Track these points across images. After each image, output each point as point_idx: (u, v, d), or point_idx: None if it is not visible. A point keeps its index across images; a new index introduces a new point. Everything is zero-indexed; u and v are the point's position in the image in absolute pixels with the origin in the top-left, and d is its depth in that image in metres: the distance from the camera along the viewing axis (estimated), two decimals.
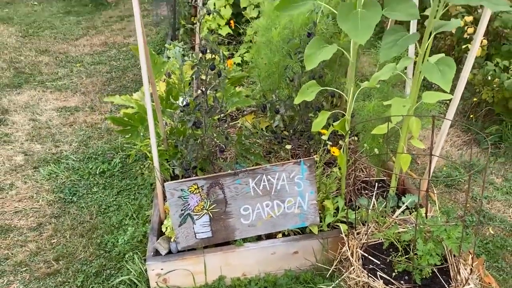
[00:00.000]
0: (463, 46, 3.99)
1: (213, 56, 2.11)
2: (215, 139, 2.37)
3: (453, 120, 2.15)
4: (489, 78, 3.54)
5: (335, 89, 2.17)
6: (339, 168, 2.28)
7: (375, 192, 2.31)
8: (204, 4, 4.91)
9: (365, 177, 2.67)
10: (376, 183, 2.57)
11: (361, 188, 2.57)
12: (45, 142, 3.71)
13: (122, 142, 3.65)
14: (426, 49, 1.96)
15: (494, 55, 3.86)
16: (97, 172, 3.29)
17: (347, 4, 1.81)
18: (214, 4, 4.70)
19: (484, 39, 3.71)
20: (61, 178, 3.24)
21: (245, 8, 4.71)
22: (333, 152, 2.20)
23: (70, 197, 3.04)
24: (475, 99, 3.80)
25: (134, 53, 5.58)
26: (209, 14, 2.11)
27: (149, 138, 2.94)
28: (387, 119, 2.05)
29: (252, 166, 2.71)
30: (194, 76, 2.12)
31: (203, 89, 2.18)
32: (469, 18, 3.88)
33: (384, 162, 2.65)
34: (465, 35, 3.84)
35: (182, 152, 2.51)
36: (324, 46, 1.96)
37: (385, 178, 2.65)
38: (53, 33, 6.33)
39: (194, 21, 5.06)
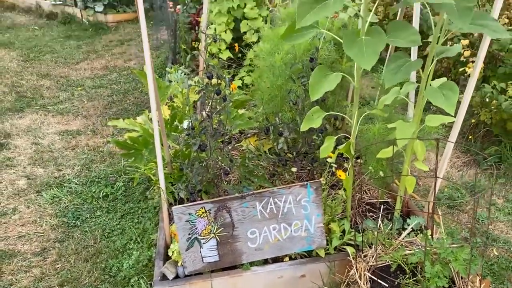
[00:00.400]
0: (460, 69, 4.07)
1: (219, 81, 2.16)
2: (220, 162, 2.39)
3: (455, 143, 2.19)
4: (487, 100, 3.60)
5: (339, 113, 2.20)
6: (344, 190, 2.31)
7: (382, 214, 2.33)
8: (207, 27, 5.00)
9: (369, 199, 2.69)
10: (381, 205, 2.59)
11: (365, 210, 2.59)
12: (47, 166, 3.71)
13: (125, 166, 3.66)
14: (429, 74, 2.01)
15: (491, 77, 3.93)
16: (100, 196, 3.29)
17: (351, 32, 1.86)
18: (215, 29, 4.78)
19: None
20: (64, 202, 3.24)
21: (245, 33, 4.80)
22: (340, 176, 2.22)
23: (74, 221, 3.04)
24: (473, 121, 3.86)
25: (138, 78, 5.64)
26: (215, 41, 2.16)
27: (153, 162, 2.97)
28: (392, 142, 2.08)
29: (256, 188, 2.73)
30: (200, 101, 2.16)
31: (209, 113, 2.21)
32: (465, 42, 3.97)
33: (388, 184, 2.68)
34: (462, 58, 3.92)
35: (187, 175, 2.53)
36: (327, 74, 2.00)
37: (389, 200, 2.67)
38: (54, 57, 6.39)
39: (195, 45, 5.14)
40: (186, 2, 5.69)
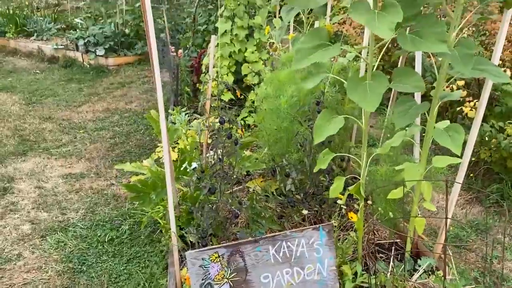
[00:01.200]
0: (457, 108, 4.17)
1: (231, 126, 2.21)
2: (230, 205, 2.41)
3: (463, 183, 2.23)
4: (486, 138, 3.68)
5: (348, 155, 2.25)
6: (355, 232, 2.32)
7: (392, 255, 2.34)
8: (206, 71, 5.12)
9: (378, 240, 2.70)
10: (390, 246, 2.59)
11: (375, 251, 2.59)
12: (51, 209, 3.70)
13: (129, 208, 3.66)
14: (434, 116, 2.08)
15: (488, 116, 4.03)
16: (106, 240, 3.27)
17: (355, 77, 1.94)
18: (217, 72, 4.90)
19: (477, 101, 3.89)
20: (69, 247, 3.21)
21: (246, 75, 4.92)
22: (351, 217, 2.24)
23: (80, 267, 3.01)
24: (473, 159, 3.92)
25: (140, 119, 5.72)
26: (228, 90, 2.24)
27: (160, 205, 2.99)
28: (401, 184, 2.12)
29: (266, 231, 2.74)
30: (212, 145, 2.20)
31: (220, 157, 2.25)
32: (461, 82, 4.09)
33: (396, 225, 2.69)
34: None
35: (197, 219, 2.54)
36: (332, 117, 2.05)
37: (398, 240, 2.68)
38: (56, 100, 6.47)
39: (199, 87, 5.24)
40: (188, 46, 5.85)
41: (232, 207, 2.39)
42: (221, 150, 2.25)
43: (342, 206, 2.41)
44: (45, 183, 4.13)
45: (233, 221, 2.43)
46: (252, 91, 4.92)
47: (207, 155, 3.08)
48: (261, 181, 3.30)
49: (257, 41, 4.86)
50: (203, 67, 5.22)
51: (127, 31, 8.34)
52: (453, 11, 1.89)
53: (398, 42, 1.72)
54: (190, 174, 2.85)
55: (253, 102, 4.81)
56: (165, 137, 2.24)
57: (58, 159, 4.64)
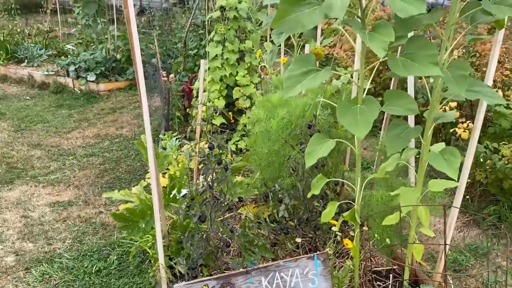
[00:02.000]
0: (451, 130, 4.14)
1: (221, 151, 2.14)
2: (221, 233, 2.32)
3: (461, 207, 2.17)
4: (481, 160, 3.63)
5: (341, 180, 2.18)
6: (351, 259, 2.23)
7: (390, 283, 2.25)
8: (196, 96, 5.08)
9: (375, 267, 2.61)
10: (387, 273, 2.51)
11: (372, 279, 2.50)
12: (37, 240, 3.58)
13: (118, 238, 3.55)
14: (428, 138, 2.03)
15: (482, 137, 4.00)
16: (93, 271, 3.15)
17: (345, 102, 1.89)
18: (208, 96, 4.86)
19: (470, 122, 3.87)
20: (55, 279, 3.09)
21: (237, 99, 4.88)
22: (346, 244, 2.16)
23: None
24: (469, 180, 3.86)
25: (131, 145, 5.64)
26: (216, 113, 2.18)
27: (150, 234, 2.88)
28: (397, 209, 2.05)
29: (258, 260, 2.64)
30: (202, 171, 2.13)
31: (210, 184, 2.18)
32: (453, 104, 4.07)
33: (393, 251, 2.61)
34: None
35: (187, 249, 2.44)
36: (324, 141, 2.00)
37: (395, 266, 2.59)
38: (45, 127, 6.38)
39: (190, 112, 5.20)
40: (179, 70, 5.83)
41: (224, 235, 2.30)
42: (211, 177, 2.18)
43: (337, 233, 2.33)
44: (31, 212, 4.01)
45: (225, 250, 2.33)
46: (244, 114, 4.88)
47: (197, 181, 3.00)
48: (253, 207, 3.22)
49: (248, 64, 4.85)
50: (194, 92, 5.18)
51: (118, 56, 8.32)
52: (442, 33, 1.86)
53: (389, 66, 1.67)
54: (179, 202, 2.76)
55: (245, 125, 4.76)
56: (152, 164, 2.17)
57: (45, 187, 4.53)
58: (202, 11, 5.82)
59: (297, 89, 1.75)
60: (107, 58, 8.12)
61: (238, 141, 4.74)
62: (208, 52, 4.82)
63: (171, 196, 2.77)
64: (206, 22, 5.57)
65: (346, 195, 2.97)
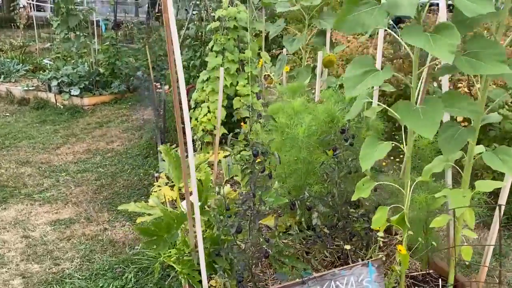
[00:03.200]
0: None
1: (265, 158, 2.08)
2: (261, 244, 2.24)
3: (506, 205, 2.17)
4: None
5: (391, 183, 2.15)
6: (400, 265, 2.19)
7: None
8: (196, 105, 4.99)
9: (410, 272, 2.58)
10: (423, 278, 2.48)
11: (410, 284, 2.47)
12: (43, 261, 3.38)
13: (130, 254, 3.40)
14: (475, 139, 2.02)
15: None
16: None
17: (404, 103, 1.86)
18: (208, 107, 4.78)
19: None
20: None
21: (237, 109, 4.83)
22: (400, 250, 2.11)
23: None
24: None
25: (125, 159, 5.45)
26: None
27: (175, 248, 2.77)
28: (445, 211, 2.02)
29: (289, 270, 2.57)
30: (250, 180, 2.05)
31: (253, 192, 2.10)
32: None
33: (428, 255, 2.59)
34: None
35: (220, 262, 2.34)
36: (378, 144, 1.97)
37: (430, 271, 2.57)
38: (32, 143, 6.13)
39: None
40: None
41: (264, 246, 2.22)
42: (253, 185, 2.10)
43: (379, 238, 2.28)
44: (32, 232, 3.80)
45: (262, 261, 2.25)
46: (245, 124, 4.82)
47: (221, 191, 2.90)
48: (274, 216, 3.14)
49: (248, 74, 4.80)
50: (192, 103, 5.09)
51: (101, 70, 8.13)
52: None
53: (457, 66, 1.65)
54: (207, 213, 2.66)
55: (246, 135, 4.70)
56: (193, 173, 2.07)
57: (42, 205, 4.32)
58: (196, 22, 5.75)
59: (357, 89, 1.71)
60: (90, 72, 7.93)
61: (241, 151, 4.66)
62: (208, 62, 4.76)
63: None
64: (202, 33, 5.52)
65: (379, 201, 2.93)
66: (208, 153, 4.54)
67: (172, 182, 4.03)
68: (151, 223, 2.64)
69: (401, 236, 2.86)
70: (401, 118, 1.79)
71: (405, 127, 2.01)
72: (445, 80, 2.25)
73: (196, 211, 2.05)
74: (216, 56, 4.74)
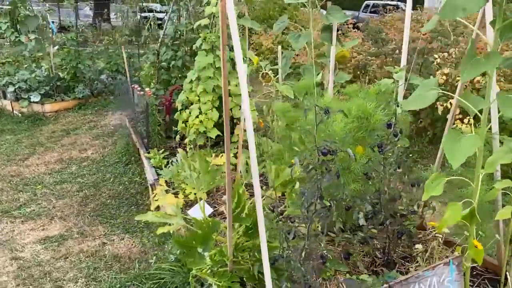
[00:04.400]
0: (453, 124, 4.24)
1: (332, 155, 1.93)
2: (322, 249, 2.09)
3: None
4: None
5: (463, 178, 2.06)
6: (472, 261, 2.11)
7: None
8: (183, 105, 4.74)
9: None
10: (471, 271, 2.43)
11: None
12: (42, 284, 3.03)
13: (140, 269, 3.13)
14: None
15: None
16: None
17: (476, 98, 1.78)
18: (200, 108, 4.55)
19: (469, 117, 4.00)
20: None
21: (230, 109, 4.63)
22: (477, 246, 2.03)
23: None
24: None
25: (114, 171, 5.09)
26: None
27: (210, 260, 2.55)
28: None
29: (332, 274, 2.45)
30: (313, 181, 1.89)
31: (321, 194, 1.95)
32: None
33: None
34: None
35: (279, 269, 2.16)
36: (461, 137, 1.84)
37: (474, 264, 2.52)
38: None
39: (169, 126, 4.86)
40: (153, 83, 5.42)
41: (324, 251, 2.07)
42: (318, 186, 1.94)
43: (438, 235, 2.20)
44: (21, 253, 3.41)
45: (322, 266, 2.10)
46: (238, 125, 4.64)
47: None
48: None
49: None
50: (179, 105, 4.82)
51: (62, 74, 7.62)
52: None
53: None
54: (245, 219, 2.46)
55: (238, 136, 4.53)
56: (256, 179, 1.87)
57: (25, 221, 3.91)
58: (174, 21, 5.48)
59: (472, 74, 1.59)
60: (50, 76, 7.40)
61: (236, 153, 4.47)
62: (197, 61, 4.53)
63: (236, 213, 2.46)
64: (184, 32, 5.26)
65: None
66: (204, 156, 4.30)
67: (174, 189, 3.78)
68: (187, 235, 2.40)
69: (435, 232, 2.82)
70: (473, 106, 1.71)
71: (474, 117, 1.94)
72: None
73: (260, 216, 1.86)
74: (206, 55, 4.52)
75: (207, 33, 4.53)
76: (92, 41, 10.84)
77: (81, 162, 5.38)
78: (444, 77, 4.82)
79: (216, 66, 4.49)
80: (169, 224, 2.80)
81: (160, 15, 11.69)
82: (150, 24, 9.97)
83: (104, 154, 5.66)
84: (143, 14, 11.09)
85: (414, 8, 8.76)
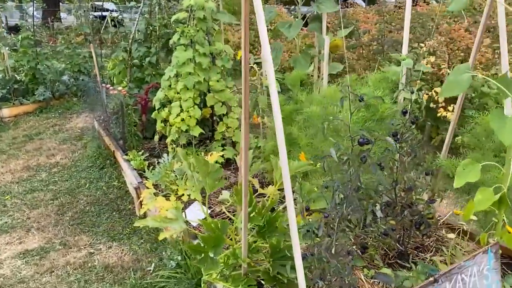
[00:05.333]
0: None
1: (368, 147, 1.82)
2: (349, 245, 1.99)
3: None
4: None
5: (495, 164, 2.01)
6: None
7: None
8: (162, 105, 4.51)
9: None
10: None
11: None
12: None
13: (136, 278, 2.92)
14: None
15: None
16: None
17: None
18: (181, 106, 4.35)
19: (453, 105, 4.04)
20: None
21: (212, 107, 4.48)
22: (510, 232, 1.99)
23: None
24: None
25: (88, 176, 4.77)
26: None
27: (222, 264, 2.40)
28: None
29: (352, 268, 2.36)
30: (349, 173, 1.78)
31: (356, 187, 1.84)
32: (438, 89, 4.23)
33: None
34: None
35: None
36: (504, 117, 1.77)
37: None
38: None
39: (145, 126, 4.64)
40: (125, 82, 5.15)
41: (352, 247, 1.97)
42: (355, 176, 1.83)
43: (461, 223, 2.15)
44: (0, 270, 3.11)
45: (350, 263, 1.99)
46: (221, 122, 4.49)
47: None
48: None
49: (221, 68, 4.46)
50: (157, 103, 4.59)
51: (19, 76, 7.15)
52: None
53: None
54: (257, 218, 2.32)
55: (223, 134, 4.39)
56: (287, 181, 1.73)
57: None
58: (146, 16, 5.22)
59: None
60: (6, 79, 6.92)
61: (222, 150, 4.33)
62: (175, 56, 4.32)
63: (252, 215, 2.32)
64: (157, 28, 5.02)
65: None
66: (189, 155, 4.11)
67: (162, 191, 3.57)
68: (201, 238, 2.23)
69: (442, 220, 2.78)
70: (507, 88, 1.66)
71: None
72: None
73: (291, 215, 1.73)
74: (186, 50, 4.32)
75: (185, 27, 4.33)
76: (46, 41, 10.31)
77: (50, 169, 5.03)
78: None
79: (196, 61, 4.30)
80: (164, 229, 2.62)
81: (115, 14, 11.33)
82: (108, 22, 9.61)
83: (74, 158, 5.33)
84: (95, 14, 10.79)
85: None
